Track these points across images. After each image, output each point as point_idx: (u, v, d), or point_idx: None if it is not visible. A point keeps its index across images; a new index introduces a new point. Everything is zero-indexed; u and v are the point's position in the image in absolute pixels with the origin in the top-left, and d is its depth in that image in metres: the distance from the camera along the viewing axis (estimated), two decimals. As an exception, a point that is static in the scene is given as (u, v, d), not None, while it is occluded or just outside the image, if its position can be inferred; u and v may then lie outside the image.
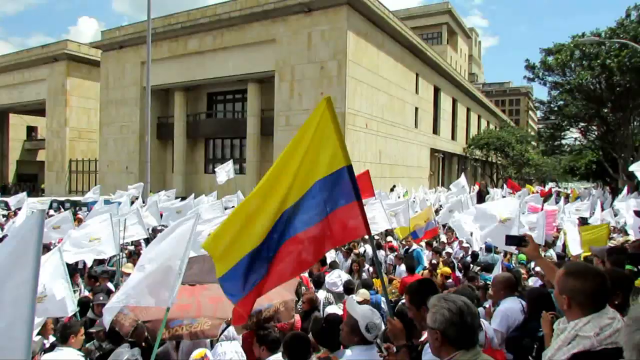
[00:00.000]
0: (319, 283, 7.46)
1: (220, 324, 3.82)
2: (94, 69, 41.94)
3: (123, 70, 37.14)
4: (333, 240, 3.20)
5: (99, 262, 9.66)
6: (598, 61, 27.43)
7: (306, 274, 7.90)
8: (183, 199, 18.63)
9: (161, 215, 14.86)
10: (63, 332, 4.23)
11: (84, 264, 9.43)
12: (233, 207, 17.88)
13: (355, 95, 28.66)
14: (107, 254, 8.57)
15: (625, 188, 21.22)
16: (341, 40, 27.62)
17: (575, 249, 8.77)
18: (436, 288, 3.54)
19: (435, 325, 2.16)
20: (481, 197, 22.60)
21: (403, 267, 9.50)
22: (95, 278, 8.00)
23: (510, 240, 3.58)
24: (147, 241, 11.61)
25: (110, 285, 7.94)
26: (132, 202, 18.55)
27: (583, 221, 14.25)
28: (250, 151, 32.74)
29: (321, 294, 6.92)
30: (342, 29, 27.55)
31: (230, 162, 20.14)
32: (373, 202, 11.44)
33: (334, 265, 8.90)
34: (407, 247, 11.51)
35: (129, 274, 8.29)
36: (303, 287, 7.14)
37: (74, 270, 8.62)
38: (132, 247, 11.77)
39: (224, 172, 19.64)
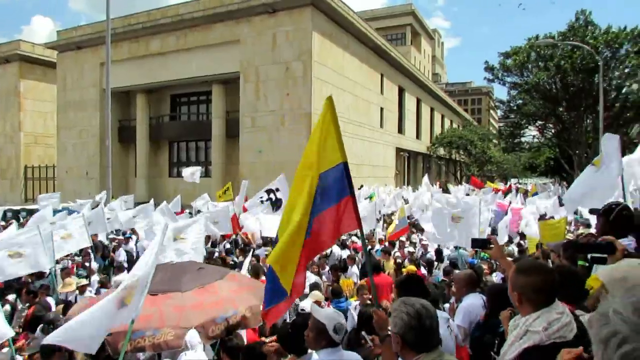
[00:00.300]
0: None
1: (185, 334, 3.74)
2: (49, 70, 40.39)
3: (81, 71, 35.97)
4: (331, 237, 3.46)
5: (37, 276, 9.04)
6: (553, 62, 28.49)
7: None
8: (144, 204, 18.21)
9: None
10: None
11: (21, 278, 8.67)
12: (199, 212, 17.64)
13: (320, 96, 28.67)
14: (37, 269, 8.10)
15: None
16: (306, 41, 27.62)
17: (532, 245, 9.05)
18: (423, 283, 3.59)
19: (396, 329, 2.18)
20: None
21: (355, 268, 9.54)
22: (34, 293, 7.55)
23: (476, 242, 3.68)
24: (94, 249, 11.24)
25: (50, 300, 7.58)
26: (93, 209, 18.05)
27: (542, 217, 14.72)
28: (216, 153, 32.31)
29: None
30: (307, 29, 27.56)
31: (199, 168, 19.95)
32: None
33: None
34: (370, 247, 11.57)
35: (74, 291, 8.01)
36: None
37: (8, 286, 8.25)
38: (79, 258, 11.25)
39: (189, 172, 19.43)
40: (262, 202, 14.02)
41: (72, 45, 36.17)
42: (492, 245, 3.25)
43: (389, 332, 2.36)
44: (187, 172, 19.43)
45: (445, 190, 26.41)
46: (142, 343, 3.75)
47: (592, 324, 0.91)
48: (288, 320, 6.03)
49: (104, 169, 27.04)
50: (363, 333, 3.35)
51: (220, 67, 30.49)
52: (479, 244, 3.65)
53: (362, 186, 25.94)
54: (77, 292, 8.16)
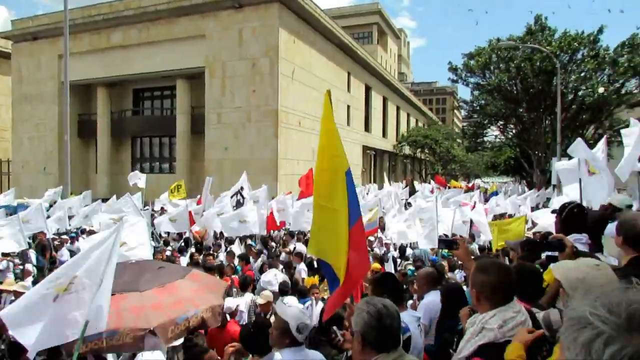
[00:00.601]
0: (244, 285, 7.27)
1: (143, 335, 3.63)
2: (3, 61, 38.67)
3: (38, 63, 34.55)
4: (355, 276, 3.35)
5: None
6: (513, 64, 29.33)
7: (237, 276, 7.76)
8: (106, 200, 17.69)
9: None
10: None
11: None
12: (162, 209, 17.24)
13: (288, 93, 28.60)
14: None
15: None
16: (273, 37, 27.43)
17: (494, 243, 9.26)
18: (397, 280, 3.61)
19: (357, 327, 2.17)
20: (413, 193, 23.42)
21: (302, 265, 9.50)
22: None
23: (443, 243, 3.76)
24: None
25: None
26: (51, 206, 17.39)
27: (501, 216, 15.13)
28: (181, 150, 31.73)
29: (247, 297, 6.79)
30: (274, 26, 27.38)
31: (144, 176, 19.30)
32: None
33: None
34: None
35: (13, 292, 7.66)
36: (235, 289, 6.99)
37: None
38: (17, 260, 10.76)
39: (137, 177, 18.93)
40: (235, 203, 14.00)
41: (28, 36, 34.70)
42: (458, 246, 3.31)
43: None
44: (133, 178, 18.89)
45: (412, 188, 26.80)
46: (99, 345, 3.63)
47: (566, 330, 0.88)
48: (246, 319, 5.98)
49: (62, 165, 26.09)
50: (334, 328, 3.35)
51: (185, 62, 29.91)
52: (446, 245, 3.73)
53: None
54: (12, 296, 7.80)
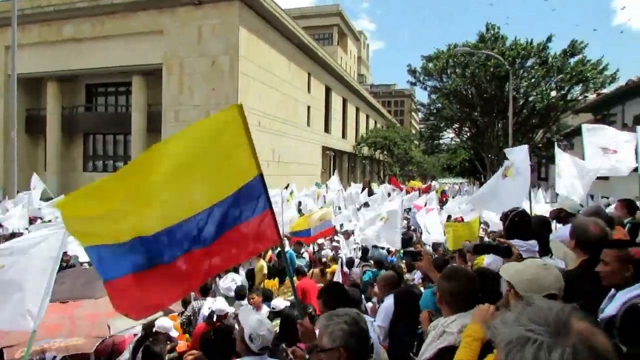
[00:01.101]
0: (205, 291, 7.15)
1: (97, 342, 3.52)
2: (-56, 51, 36.29)
3: (-18, 54, 32.70)
4: (246, 252, 3.08)
5: None
6: (469, 69, 30.30)
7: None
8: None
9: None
10: None
11: None
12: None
13: (247, 92, 28.35)
14: None
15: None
16: (233, 35, 27.13)
17: (450, 244, 9.51)
18: (346, 291, 3.62)
19: (337, 343, 2.05)
20: (371, 194, 23.67)
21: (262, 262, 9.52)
22: None
23: (407, 254, 3.86)
24: None
25: None
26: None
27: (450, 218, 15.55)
28: (136, 148, 30.81)
29: (209, 302, 6.69)
30: (234, 24, 27.08)
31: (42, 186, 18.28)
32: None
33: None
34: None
35: None
36: (192, 293, 6.86)
37: None
38: None
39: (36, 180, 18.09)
40: None
41: (-29, 25, 32.77)
42: (422, 257, 3.39)
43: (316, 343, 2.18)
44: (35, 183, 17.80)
45: (370, 189, 27.14)
46: (47, 346, 3.49)
47: (509, 353, 0.92)
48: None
49: (8, 162, 24.78)
50: (283, 346, 3.34)
51: (141, 58, 29.09)
52: (411, 256, 3.84)
53: (288, 185, 25.99)
54: None
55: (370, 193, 24.27)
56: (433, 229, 11.67)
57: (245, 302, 6.55)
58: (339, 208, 18.78)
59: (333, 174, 49.02)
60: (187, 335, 5.94)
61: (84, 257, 8.01)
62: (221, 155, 2.96)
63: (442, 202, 23.49)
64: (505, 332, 0.94)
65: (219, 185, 2.94)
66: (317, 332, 2.14)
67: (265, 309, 6.20)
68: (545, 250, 3.94)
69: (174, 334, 5.43)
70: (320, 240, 11.89)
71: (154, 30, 28.44)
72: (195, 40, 27.73)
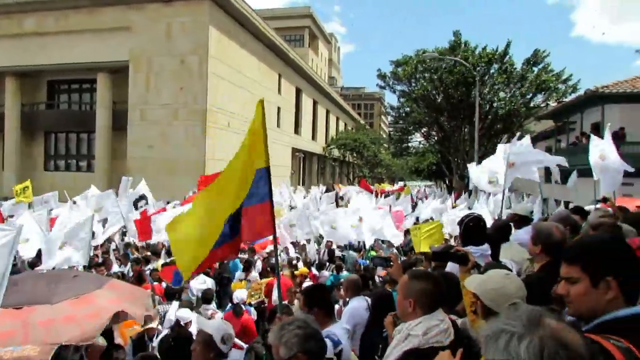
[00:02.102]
0: (171, 295, 7.04)
1: (52, 350, 3.40)
2: None
3: (-64, 46, 31.18)
4: (244, 236, 3.46)
5: None
6: (437, 75, 30.93)
7: (164, 284, 7.49)
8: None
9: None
10: None
11: None
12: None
13: (217, 92, 28.04)
14: None
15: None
16: (203, 34, 26.80)
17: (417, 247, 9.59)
18: (328, 291, 3.62)
19: (293, 350, 2.05)
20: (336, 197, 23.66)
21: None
22: None
23: (377, 260, 3.91)
24: None
25: None
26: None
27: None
28: (100, 147, 30.01)
29: (174, 307, 6.59)
30: (204, 22, 26.75)
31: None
32: None
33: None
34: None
35: None
36: (157, 297, 6.73)
37: None
38: None
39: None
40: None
41: None
42: (392, 263, 3.42)
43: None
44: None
45: (331, 191, 27.19)
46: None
47: (487, 343, 1.07)
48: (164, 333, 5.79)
49: (-38, 160, 23.75)
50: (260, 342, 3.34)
51: (107, 55, 28.35)
52: (381, 262, 3.89)
53: None
54: None
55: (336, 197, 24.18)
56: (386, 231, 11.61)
57: (211, 306, 6.48)
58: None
59: (303, 176, 49.13)
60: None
61: (28, 254, 7.74)
62: (250, 147, 3.41)
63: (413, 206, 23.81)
64: (486, 328, 1.11)
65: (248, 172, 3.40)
66: (273, 347, 2.11)
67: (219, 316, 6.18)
68: (496, 254, 4.04)
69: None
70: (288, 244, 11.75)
71: (121, 26, 27.78)
72: (163, 38, 27.23)
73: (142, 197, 13.20)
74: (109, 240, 12.33)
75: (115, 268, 9.10)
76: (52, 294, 3.75)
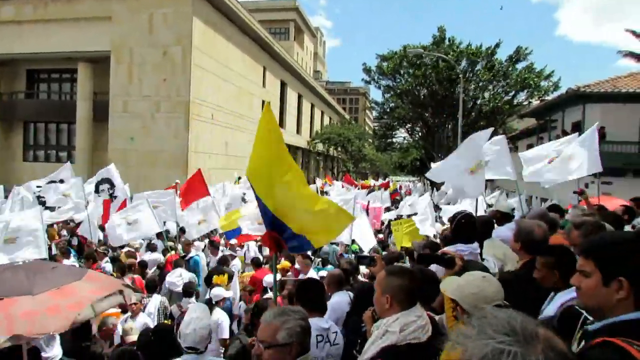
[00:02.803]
0: (152, 287, 6.96)
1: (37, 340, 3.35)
2: None
3: None
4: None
5: None
6: (421, 71, 31.10)
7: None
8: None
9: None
10: None
11: None
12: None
13: (201, 84, 27.74)
14: None
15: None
16: (186, 26, 26.44)
17: (398, 242, 9.67)
18: (322, 286, 3.60)
19: (292, 339, 2.06)
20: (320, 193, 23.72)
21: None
22: None
23: (361, 259, 3.94)
24: None
25: None
26: None
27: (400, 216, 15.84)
28: (81, 138, 29.52)
29: (156, 299, 6.53)
30: (187, 13, 26.39)
31: None
32: (205, 201, 11.29)
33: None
34: (184, 254, 9.67)
35: None
36: (138, 292, 6.65)
37: None
38: None
39: None
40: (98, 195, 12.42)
41: None
42: (375, 263, 3.42)
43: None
44: None
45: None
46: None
47: (471, 340, 0.96)
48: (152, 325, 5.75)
49: (-64, 150, 23.10)
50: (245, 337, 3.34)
51: (87, 44, 27.82)
52: (365, 261, 3.90)
53: (239, 177, 25.70)
54: None
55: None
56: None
57: (193, 299, 6.43)
58: None
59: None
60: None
61: None
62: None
63: (394, 201, 23.97)
64: (476, 347, 0.95)
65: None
66: (268, 326, 2.10)
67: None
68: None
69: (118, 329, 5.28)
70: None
71: (102, 16, 27.24)
72: (146, 29, 26.80)
73: (106, 180, 12.53)
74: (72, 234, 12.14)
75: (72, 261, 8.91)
76: (32, 285, 3.68)
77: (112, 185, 12.49)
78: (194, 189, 11.75)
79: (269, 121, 3.39)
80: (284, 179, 3.44)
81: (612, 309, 1.49)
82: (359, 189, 24.26)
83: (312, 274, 6.84)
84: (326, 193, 24.57)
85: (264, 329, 2.10)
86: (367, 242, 10.35)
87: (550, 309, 2.47)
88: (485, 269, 2.97)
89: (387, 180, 43.71)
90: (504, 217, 5.82)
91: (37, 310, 3.54)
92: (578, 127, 18.79)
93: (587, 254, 1.59)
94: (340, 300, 4.37)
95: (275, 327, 2.07)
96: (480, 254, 4.01)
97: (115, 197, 12.33)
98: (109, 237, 9.90)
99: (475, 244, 3.90)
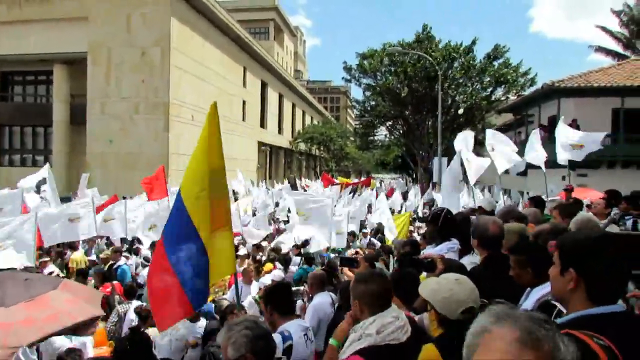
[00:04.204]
0: (130, 294, 6.86)
1: (13, 354, 3.30)
2: None
3: None
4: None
5: None
6: (401, 69, 31.31)
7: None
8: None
9: None
10: None
11: None
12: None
13: (180, 85, 27.48)
14: None
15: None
16: (165, 26, 26.15)
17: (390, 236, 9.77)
18: (288, 289, 3.61)
19: (241, 351, 2.05)
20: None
21: None
22: None
23: (344, 261, 3.98)
24: None
25: None
26: None
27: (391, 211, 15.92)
28: (58, 141, 28.97)
29: (135, 304, 6.45)
30: (166, 13, 26.10)
31: None
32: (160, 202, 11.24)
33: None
34: (112, 262, 9.20)
35: None
36: (117, 296, 6.58)
37: None
38: None
39: None
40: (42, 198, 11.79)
41: None
42: (358, 264, 3.44)
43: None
44: None
45: (294, 185, 27.25)
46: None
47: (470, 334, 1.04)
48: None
49: None
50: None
51: (63, 46, 27.30)
52: (348, 262, 3.93)
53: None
54: None
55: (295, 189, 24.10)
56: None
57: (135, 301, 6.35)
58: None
59: (269, 170, 48.85)
60: (112, 341, 5.70)
61: None
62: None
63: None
64: (516, 330, 0.99)
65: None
66: (222, 346, 2.11)
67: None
68: (468, 247, 4.10)
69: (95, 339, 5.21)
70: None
71: (78, 16, 26.77)
72: (124, 29, 26.42)
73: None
74: None
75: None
76: (5, 297, 3.62)
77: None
78: (156, 186, 11.66)
79: (211, 123, 3.57)
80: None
81: (568, 300, 1.63)
82: (340, 186, 24.15)
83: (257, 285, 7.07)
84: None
85: (222, 351, 2.13)
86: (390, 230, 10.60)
87: (527, 304, 2.51)
88: (462, 268, 3.00)
89: (369, 176, 43.86)
90: (486, 214, 5.90)
91: (12, 323, 3.49)
92: (554, 121, 19.17)
93: (556, 246, 1.75)
94: (322, 301, 4.39)
95: (224, 345, 2.09)
96: (468, 249, 4.04)
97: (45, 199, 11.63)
98: (42, 234, 8.76)
99: (456, 241, 3.94)
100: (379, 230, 13.01)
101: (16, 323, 3.48)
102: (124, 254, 9.85)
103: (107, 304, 6.03)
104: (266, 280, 7.10)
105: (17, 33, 27.64)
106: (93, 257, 10.54)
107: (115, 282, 7.39)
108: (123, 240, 11.07)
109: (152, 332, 4.45)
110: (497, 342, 0.99)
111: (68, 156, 28.83)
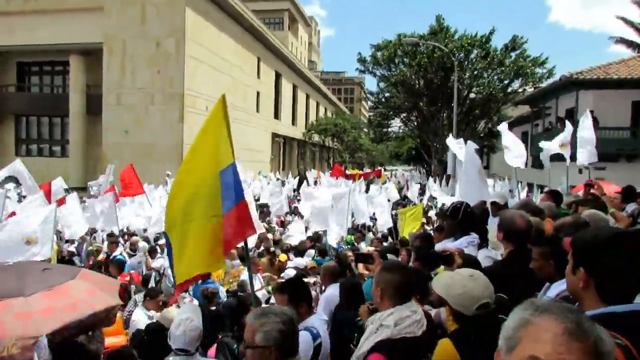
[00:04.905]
0: (146, 281, 6.92)
1: (34, 345, 3.32)
2: None
3: None
4: (228, 243, 3.33)
5: None
6: (415, 60, 30.94)
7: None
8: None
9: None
10: None
11: None
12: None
13: (195, 76, 27.55)
14: None
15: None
16: (179, 16, 26.18)
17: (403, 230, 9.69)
18: (306, 285, 3.57)
19: (270, 342, 2.01)
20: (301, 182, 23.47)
21: None
22: None
23: (359, 257, 3.97)
24: None
25: None
26: None
27: (404, 204, 15.85)
28: (74, 132, 29.33)
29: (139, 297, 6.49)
30: (180, 4, 26.12)
31: None
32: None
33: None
34: (108, 252, 9.12)
35: None
36: (133, 286, 6.63)
37: None
38: None
39: None
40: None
41: None
42: (373, 260, 3.41)
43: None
44: None
45: (303, 176, 27.12)
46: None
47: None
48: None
49: None
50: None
51: (79, 36, 27.54)
52: (363, 259, 3.90)
53: (260, 172, 25.57)
54: None
55: (301, 181, 23.94)
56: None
57: (187, 293, 6.40)
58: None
59: (283, 161, 48.91)
60: (127, 330, 5.75)
61: None
62: (212, 144, 3.33)
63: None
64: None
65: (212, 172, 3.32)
66: (249, 327, 2.07)
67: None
68: (484, 241, 4.06)
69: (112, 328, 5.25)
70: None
71: (93, 7, 26.94)
72: (138, 21, 26.53)
73: (11, 178, 11.12)
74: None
75: None
76: (24, 287, 3.64)
77: (18, 184, 11.19)
78: (129, 183, 11.68)
79: (217, 114, 3.32)
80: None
81: (582, 298, 1.62)
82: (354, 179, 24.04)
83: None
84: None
85: (246, 329, 2.09)
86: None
87: (545, 298, 2.47)
88: (476, 263, 2.96)
89: (379, 168, 43.57)
90: (499, 207, 5.81)
91: (31, 312, 3.51)
92: (571, 114, 18.82)
93: (570, 244, 1.75)
94: (334, 293, 4.37)
95: (254, 328, 2.05)
96: (485, 242, 3.98)
97: (24, 196, 10.85)
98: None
99: (475, 235, 3.90)
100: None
101: (35, 312, 3.50)
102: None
103: (127, 292, 6.08)
104: (290, 271, 7.07)
105: (33, 24, 27.92)
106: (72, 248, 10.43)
107: (132, 271, 7.47)
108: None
109: (170, 313, 4.50)
110: (543, 333, 0.98)
111: (84, 146, 29.18)
